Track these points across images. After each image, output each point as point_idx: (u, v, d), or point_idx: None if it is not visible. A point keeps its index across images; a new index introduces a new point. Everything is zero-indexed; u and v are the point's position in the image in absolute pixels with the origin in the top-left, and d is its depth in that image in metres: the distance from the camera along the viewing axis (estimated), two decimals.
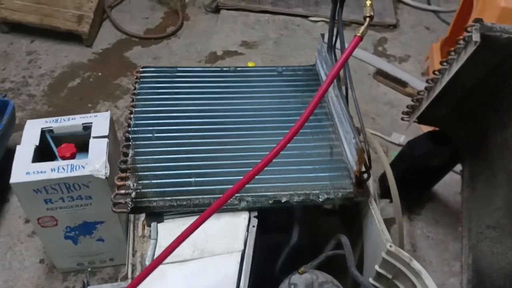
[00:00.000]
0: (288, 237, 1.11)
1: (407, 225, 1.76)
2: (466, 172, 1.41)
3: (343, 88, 1.19)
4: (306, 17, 2.74)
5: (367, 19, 0.81)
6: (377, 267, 1.00)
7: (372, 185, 1.13)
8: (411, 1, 2.95)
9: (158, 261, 0.78)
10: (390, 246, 0.96)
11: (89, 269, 1.52)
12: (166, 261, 0.78)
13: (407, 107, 1.44)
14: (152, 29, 2.65)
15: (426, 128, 1.72)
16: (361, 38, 0.77)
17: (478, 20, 1.01)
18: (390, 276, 0.99)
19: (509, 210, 1.15)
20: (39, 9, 2.39)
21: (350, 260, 1.00)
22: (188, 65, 2.39)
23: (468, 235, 1.33)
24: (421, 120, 1.43)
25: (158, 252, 0.92)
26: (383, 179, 1.69)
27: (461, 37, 1.08)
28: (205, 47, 2.51)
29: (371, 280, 1.03)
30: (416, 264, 0.94)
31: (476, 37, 1.00)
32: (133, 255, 1.26)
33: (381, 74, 2.37)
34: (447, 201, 1.84)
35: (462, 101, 1.27)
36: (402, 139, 2.02)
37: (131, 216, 1.31)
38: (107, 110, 2.09)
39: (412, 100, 1.40)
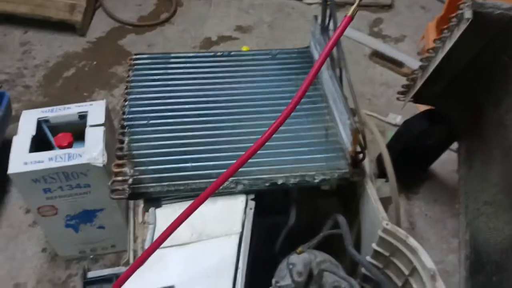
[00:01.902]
0: (286, 219, 1.12)
1: (405, 204, 1.77)
2: (463, 149, 1.41)
3: (337, 69, 1.19)
4: None
5: None
6: (374, 245, 1.01)
7: (369, 165, 1.13)
8: None
9: (156, 245, 0.79)
10: (387, 224, 0.97)
11: (91, 256, 1.54)
12: (164, 244, 0.79)
13: (402, 86, 1.44)
14: (146, 16, 2.63)
15: (422, 108, 1.73)
16: (352, 18, 0.77)
17: None
18: (387, 254, 1.00)
19: (505, 186, 1.16)
20: (30, 0, 2.37)
21: (347, 239, 1.01)
22: (182, 51, 2.38)
23: (465, 212, 1.34)
24: (416, 99, 1.43)
25: (156, 236, 0.93)
26: (380, 159, 1.70)
27: (454, 14, 1.08)
28: (199, 33, 2.50)
29: (368, 258, 1.04)
30: (412, 241, 0.95)
31: (468, 14, 0.99)
32: (135, 241, 1.26)
33: (377, 55, 2.36)
34: (444, 180, 1.85)
35: (457, 78, 1.27)
36: (399, 119, 2.03)
37: (131, 203, 1.31)
38: (103, 99, 2.08)
39: (407, 80, 1.40)
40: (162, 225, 0.94)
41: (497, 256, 1.16)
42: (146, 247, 0.91)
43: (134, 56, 1.32)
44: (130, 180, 0.98)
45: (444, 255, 1.62)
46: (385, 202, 1.29)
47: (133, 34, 2.50)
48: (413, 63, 2.29)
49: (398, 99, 1.50)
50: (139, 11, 2.65)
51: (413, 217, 1.74)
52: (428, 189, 1.83)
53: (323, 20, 1.26)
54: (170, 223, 0.81)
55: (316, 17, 1.33)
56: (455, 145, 1.55)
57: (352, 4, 0.78)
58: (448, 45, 1.11)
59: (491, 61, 1.15)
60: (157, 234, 0.94)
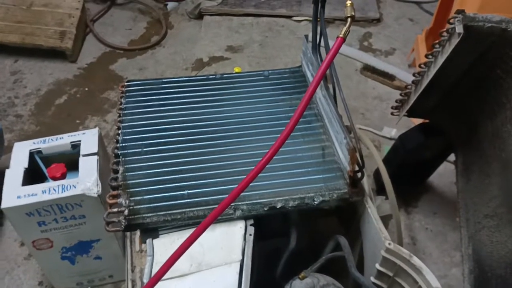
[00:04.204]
0: (286, 242, 1.10)
1: (404, 218, 1.76)
2: (460, 162, 1.41)
3: (331, 87, 1.18)
4: (289, 17, 2.74)
5: (349, 19, 0.80)
6: (377, 266, 1.00)
7: (367, 182, 1.12)
8: None
9: (156, 279, 0.77)
10: (389, 244, 0.96)
11: None
12: (164, 277, 0.77)
13: (396, 101, 1.44)
14: (136, 40, 2.63)
15: (417, 121, 1.72)
16: (343, 39, 0.77)
17: (460, 12, 1.01)
18: (391, 274, 0.99)
19: (505, 199, 1.15)
20: (20, 28, 2.36)
21: (350, 261, 0.99)
22: (174, 73, 2.38)
23: (466, 225, 1.33)
24: (411, 113, 1.42)
25: (155, 268, 0.91)
26: (377, 174, 1.69)
27: (444, 29, 1.08)
28: (190, 54, 2.50)
29: (372, 279, 1.03)
30: (416, 261, 0.93)
31: (459, 28, 0.99)
32: (132, 270, 1.24)
33: (368, 69, 2.37)
34: (442, 192, 1.84)
35: (450, 92, 1.27)
36: (394, 132, 2.02)
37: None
38: (95, 125, 2.08)
39: (401, 94, 1.40)
40: (160, 256, 0.92)
41: (501, 270, 1.14)
42: (145, 280, 0.89)
43: (126, 83, 1.31)
44: (126, 211, 0.96)
45: (447, 269, 1.60)
46: (385, 219, 1.28)
47: (124, 58, 2.50)
48: (404, 75, 2.30)
49: (392, 113, 1.50)
50: (129, 35, 2.66)
51: (414, 231, 1.72)
52: (427, 202, 1.81)
53: (313, 39, 1.26)
54: (168, 254, 0.79)
55: (306, 36, 1.33)
56: (451, 156, 1.55)
57: (341, 19, 0.78)
58: (440, 60, 1.11)
59: (484, 74, 1.15)
60: (155, 266, 0.91)
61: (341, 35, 0.77)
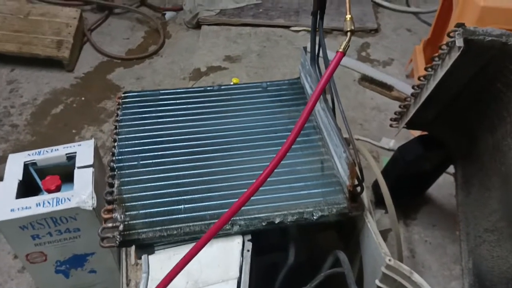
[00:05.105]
0: (284, 256, 1.08)
1: (403, 230, 1.74)
2: (459, 175, 1.39)
3: (329, 99, 1.17)
4: (287, 27, 2.73)
5: (348, 34, 0.79)
6: (377, 282, 0.98)
7: (366, 194, 1.11)
8: (391, 4, 2.96)
9: None
10: (389, 260, 0.94)
11: None
12: None
13: (395, 113, 1.43)
14: (134, 49, 2.63)
15: (416, 132, 1.72)
16: (343, 54, 0.76)
17: (460, 25, 1.00)
18: None
19: (506, 213, 1.14)
20: (17, 37, 2.35)
21: (350, 277, 0.97)
22: (172, 83, 2.37)
23: (466, 239, 1.31)
24: (410, 125, 1.41)
25: (150, 285, 0.89)
26: (376, 186, 1.68)
27: (444, 42, 1.07)
28: (188, 64, 2.49)
29: None
30: (417, 278, 0.92)
31: (459, 42, 0.99)
32: (127, 284, 1.22)
33: (366, 80, 2.37)
34: (442, 204, 1.83)
35: (450, 105, 1.26)
36: (392, 143, 2.01)
37: None
38: (92, 135, 2.06)
39: (400, 107, 1.39)
40: (156, 273, 0.90)
41: (502, 286, 1.13)
42: None
43: (123, 94, 1.30)
44: (121, 227, 0.94)
45: (447, 282, 1.59)
46: (384, 233, 1.26)
47: (121, 67, 2.49)
48: (403, 86, 2.30)
49: (391, 125, 1.49)
50: (127, 45, 2.65)
51: (413, 244, 1.70)
52: (426, 214, 1.80)
53: (312, 52, 1.25)
54: (164, 270, 0.77)
55: (305, 48, 1.32)
56: (450, 168, 1.54)
57: (339, 30, 0.77)
58: (440, 73, 1.10)
59: (484, 88, 1.14)
60: (151, 283, 0.89)
61: (341, 50, 0.76)
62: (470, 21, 1.55)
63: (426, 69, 1.17)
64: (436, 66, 1.13)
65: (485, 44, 1.00)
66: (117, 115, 1.23)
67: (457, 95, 1.20)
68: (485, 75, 1.10)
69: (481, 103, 1.18)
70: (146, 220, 0.96)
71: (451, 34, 1.02)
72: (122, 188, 1.02)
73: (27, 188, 1.28)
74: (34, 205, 1.18)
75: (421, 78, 1.21)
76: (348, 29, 0.79)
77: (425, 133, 1.52)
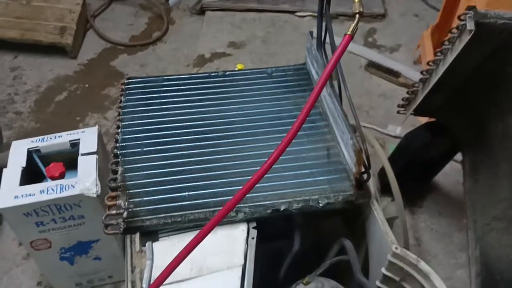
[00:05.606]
0: (289, 243, 1.07)
1: (409, 218, 1.73)
2: (467, 162, 1.37)
3: (336, 85, 1.15)
4: (292, 12, 2.69)
5: (357, 16, 0.77)
6: (383, 270, 0.97)
7: (373, 182, 1.09)
8: None
9: (156, 285, 0.75)
10: (396, 248, 0.93)
11: None
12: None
13: (403, 99, 1.41)
14: (137, 36, 2.60)
15: (423, 119, 1.69)
16: (351, 37, 0.73)
17: (471, 8, 0.98)
18: (397, 279, 0.96)
19: None
20: (20, 24, 2.33)
21: (355, 265, 0.96)
22: (176, 69, 2.35)
23: (473, 227, 1.29)
24: (417, 112, 1.39)
25: (155, 272, 0.88)
26: (382, 173, 1.66)
27: (454, 26, 1.04)
28: (192, 51, 2.47)
29: (378, 283, 1.00)
30: (424, 266, 0.90)
31: (470, 25, 0.96)
32: (132, 271, 1.21)
33: (373, 66, 2.34)
34: (448, 191, 1.81)
35: (459, 91, 1.23)
36: (399, 130, 1.99)
37: None
38: (96, 123, 2.05)
39: (407, 93, 1.36)
40: (160, 260, 0.89)
41: (510, 274, 1.11)
42: (144, 286, 0.86)
43: (126, 81, 1.28)
44: (125, 214, 0.93)
45: (453, 271, 1.57)
46: (390, 221, 1.24)
47: (125, 54, 2.47)
48: (410, 72, 2.27)
49: (398, 112, 1.47)
50: (130, 31, 2.62)
51: (419, 232, 1.69)
52: (432, 202, 1.78)
53: (318, 37, 1.22)
54: (168, 257, 0.76)
55: (311, 33, 1.30)
56: (457, 155, 1.52)
57: (346, 15, 0.74)
58: (450, 57, 1.08)
59: (494, 72, 1.12)
60: (155, 270, 0.88)
61: (348, 33, 0.73)
62: (479, 4, 1.51)
63: (435, 53, 1.15)
64: (446, 50, 1.10)
65: (496, 27, 0.97)
66: (121, 101, 1.22)
67: (467, 80, 1.18)
68: (496, 59, 1.08)
69: (490, 89, 1.16)
70: (150, 207, 0.95)
71: (462, 17, 0.99)
72: (125, 175, 1.01)
73: (31, 175, 1.28)
74: (38, 192, 1.18)
75: (430, 63, 1.19)
76: (357, 11, 0.77)
77: (432, 119, 1.50)
